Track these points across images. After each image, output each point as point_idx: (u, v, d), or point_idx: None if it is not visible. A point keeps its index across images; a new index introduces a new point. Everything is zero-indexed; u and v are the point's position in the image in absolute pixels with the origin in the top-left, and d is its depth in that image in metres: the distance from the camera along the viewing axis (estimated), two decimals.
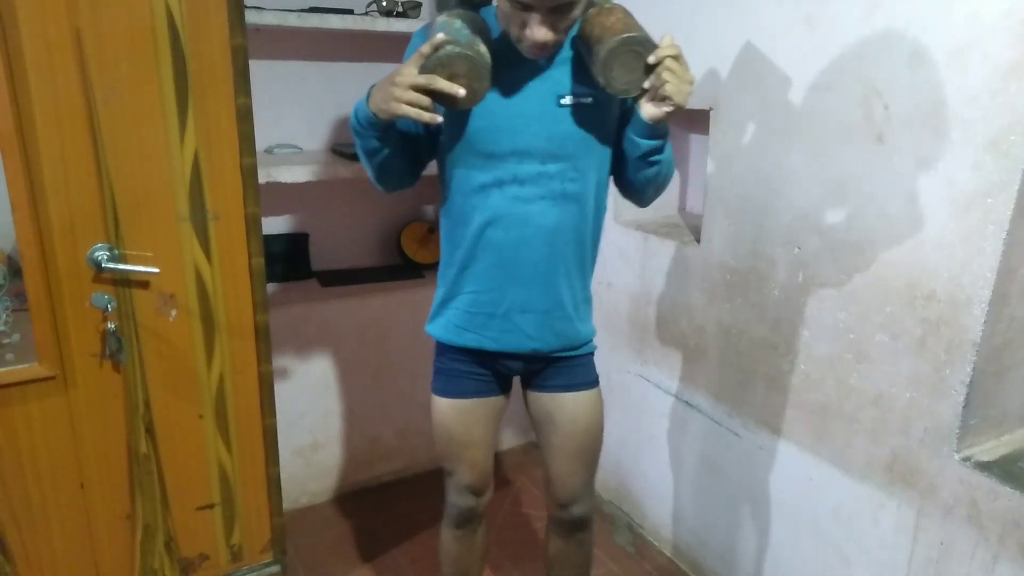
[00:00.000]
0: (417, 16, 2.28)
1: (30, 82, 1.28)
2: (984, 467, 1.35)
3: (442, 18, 1.17)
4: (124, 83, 1.35)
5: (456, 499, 1.54)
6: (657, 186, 1.34)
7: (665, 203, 2.33)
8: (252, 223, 1.55)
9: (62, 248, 1.38)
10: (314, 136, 2.41)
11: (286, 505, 1.85)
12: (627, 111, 1.30)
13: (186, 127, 1.43)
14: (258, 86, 1.56)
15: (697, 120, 2.21)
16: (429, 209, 2.70)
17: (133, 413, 1.54)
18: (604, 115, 1.30)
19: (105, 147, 1.37)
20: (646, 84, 1.16)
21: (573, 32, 1.25)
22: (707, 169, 1.85)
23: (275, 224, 2.40)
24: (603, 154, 1.33)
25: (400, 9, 2.24)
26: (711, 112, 1.81)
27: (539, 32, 1.12)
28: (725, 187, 1.81)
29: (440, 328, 1.44)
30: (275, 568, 1.81)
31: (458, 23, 1.15)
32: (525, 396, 1.54)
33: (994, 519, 1.32)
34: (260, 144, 1.64)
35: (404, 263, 2.60)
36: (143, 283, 1.48)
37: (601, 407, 1.50)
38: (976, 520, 1.35)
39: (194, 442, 1.62)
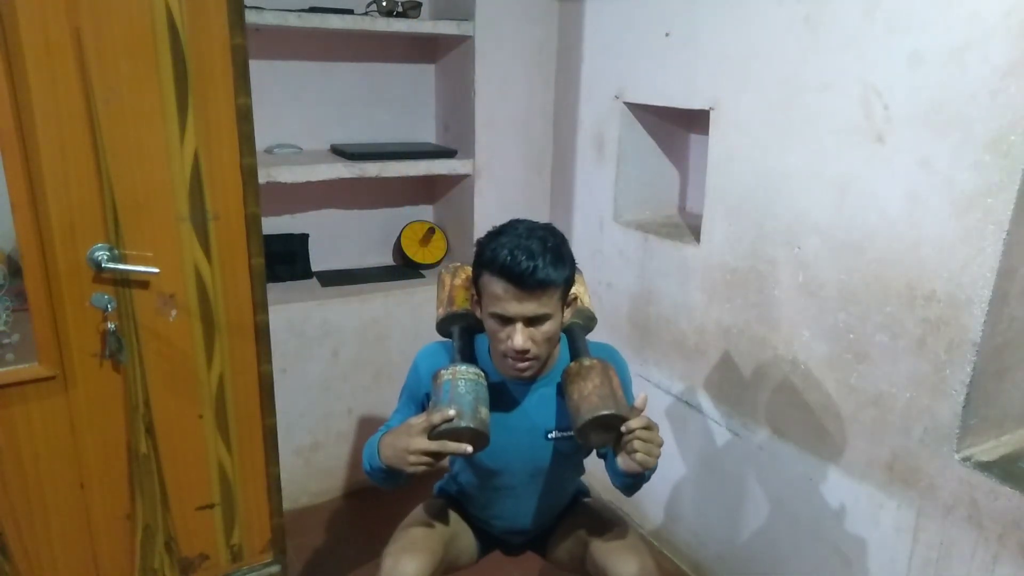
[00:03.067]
0: (417, 16, 2.28)
1: (30, 82, 1.28)
2: (984, 467, 1.35)
3: (446, 376, 1.28)
4: (124, 83, 1.35)
5: None
6: (637, 490, 1.42)
7: (665, 203, 2.34)
8: (252, 223, 1.55)
9: (62, 248, 1.38)
10: (314, 136, 2.41)
11: (286, 505, 1.85)
12: None
13: (186, 127, 1.43)
14: (258, 86, 1.56)
15: (697, 120, 2.21)
16: (429, 209, 2.70)
17: (133, 413, 1.54)
18: (585, 448, 1.46)
19: (105, 147, 1.37)
20: (618, 449, 1.26)
21: (559, 365, 1.38)
22: (707, 169, 1.85)
23: (275, 224, 2.40)
24: (584, 457, 1.52)
25: (400, 9, 2.24)
26: (711, 112, 1.81)
27: (518, 339, 1.23)
28: (725, 187, 1.81)
29: (452, 494, 1.61)
30: (275, 568, 1.81)
31: (461, 385, 1.26)
32: (555, 563, 1.57)
33: (994, 519, 1.32)
34: (260, 144, 1.64)
35: (404, 263, 2.60)
36: (143, 283, 1.48)
37: (608, 504, 1.58)
38: (976, 520, 1.35)
39: (194, 442, 1.62)
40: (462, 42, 2.33)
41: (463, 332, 1.42)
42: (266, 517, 1.76)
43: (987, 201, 1.26)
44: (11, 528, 1.48)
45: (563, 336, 1.42)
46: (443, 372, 1.29)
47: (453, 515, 1.53)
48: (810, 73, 1.55)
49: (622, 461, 1.25)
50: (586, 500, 1.60)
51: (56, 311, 1.40)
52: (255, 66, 1.53)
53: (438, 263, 2.60)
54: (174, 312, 1.52)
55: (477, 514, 1.55)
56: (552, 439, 1.40)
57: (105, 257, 1.41)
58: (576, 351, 1.39)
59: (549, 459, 1.42)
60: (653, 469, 1.31)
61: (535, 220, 1.32)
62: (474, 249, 1.30)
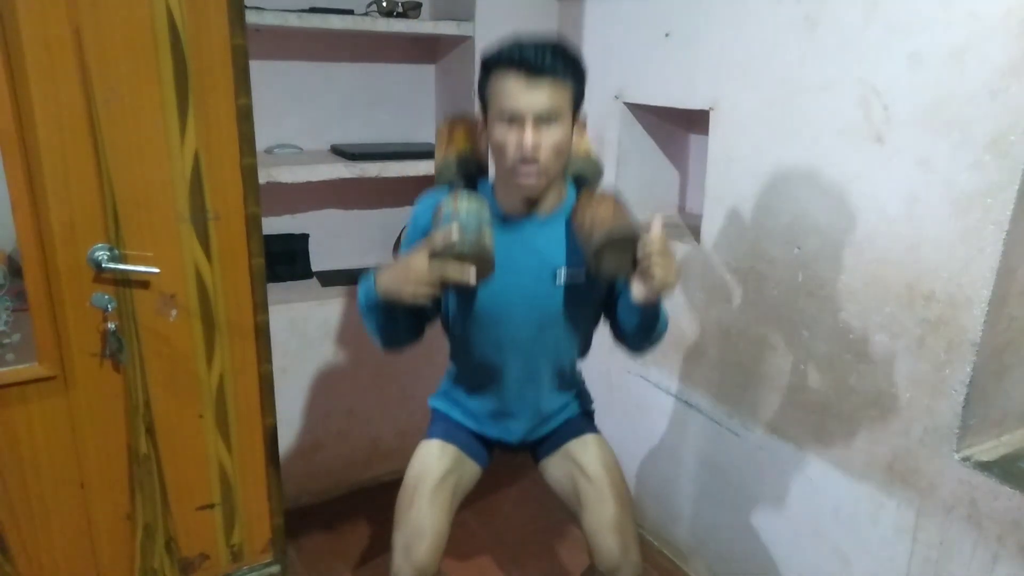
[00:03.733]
0: (417, 16, 2.28)
1: (30, 82, 1.28)
2: (984, 467, 1.35)
3: (447, 204, 1.23)
4: (124, 83, 1.36)
5: (398, 573, 1.37)
6: (652, 342, 1.41)
7: (665, 203, 2.34)
8: (252, 223, 1.55)
9: (62, 248, 1.38)
10: (314, 136, 2.41)
11: (286, 505, 1.85)
12: (622, 280, 1.37)
13: (186, 127, 1.43)
14: (258, 86, 1.56)
15: (697, 120, 2.22)
16: None
17: (133, 413, 1.54)
18: (596, 289, 1.41)
19: (105, 147, 1.37)
20: (635, 274, 1.22)
21: (568, 204, 1.35)
22: (707, 169, 1.85)
23: (275, 224, 2.40)
24: (594, 314, 1.48)
25: (400, 9, 2.24)
26: (711, 112, 1.81)
27: (528, 137, 1.19)
28: (725, 187, 1.81)
29: (445, 407, 1.57)
30: (275, 568, 1.81)
31: (463, 210, 1.21)
32: (542, 474, 1.57)
33: (994, 519, 1.32)
34: (260, 144, 1.64)
35: None
36: (143, 283, 1.48)
37: (611, 450, 1.53)
38: (976, 520, 1.35)
39: (194, 442, 1.62)
40: (462, 42, 2.33)
41: (465, 174, 1.39)
42: (266, 517, 1.76)
43: (987, 201, 1.27)
44: (11, 528, 1.48)
45: (570, 184, 1.39)
46: (444, 203, 1.24)
47: (449, 450, 1.47)
48: (810, 73, 1.55)
49: (638, 290, 1.21)
50: (592, 436, 1.52)
51: (56, 311, 1.40)
52: (255, 66, 1.53)
53: None
54: (174, 312, 1.52)
55: (477, 398, 1.49)
56: (561, 283, 1.35)
57: (105, 257, 1.41)
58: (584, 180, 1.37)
59: (558, 305, 1.36)
60: (666, 320, 1.29)
61: None
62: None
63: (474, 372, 1.48)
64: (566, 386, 1.53)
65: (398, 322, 1.34)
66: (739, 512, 1.90)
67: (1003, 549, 1.31)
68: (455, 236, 1.15)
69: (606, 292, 1.43)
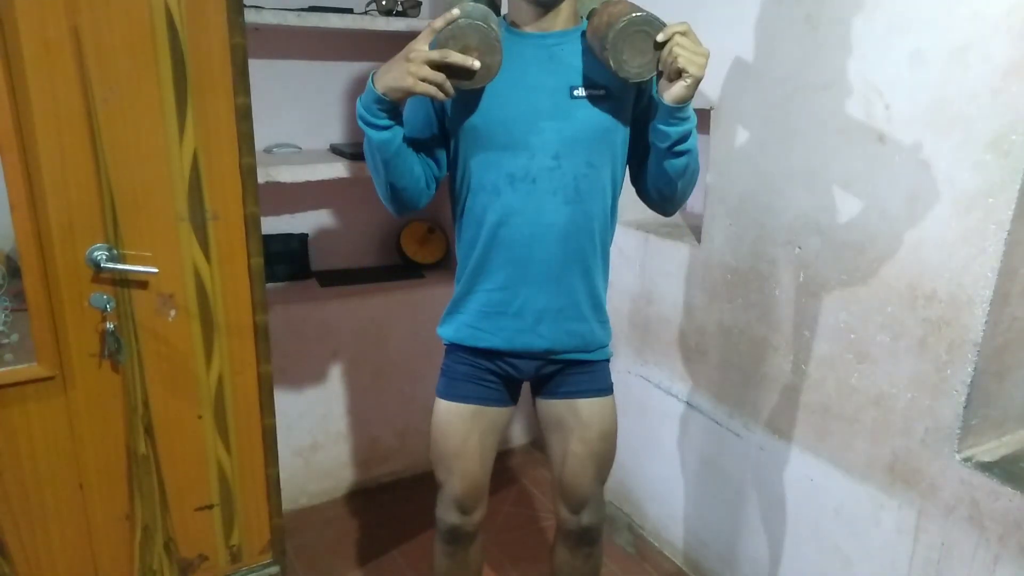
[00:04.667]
0: (417, 15, 2.28)
1: (29, 81, 1.28)
2: (985, 467, 1.34)
3: (453, 10, 1.14)
4: (123, 82, 1.35)
5: (444, 514, 1.47)
6: (686, 182, 1.31)
7: None
8: (251, 223, 1.54)
9: (61, 248, 1.38)
10: (314, 136, 2.41)
11: (285, 506, 1.85)
12: (645, 108, 1.30)
13: (185, 126, 1.43)
14: (257, 85, 1.56)
15: (697, 120, 2.21)
16: (428, 209, 2.70)
17: (132, 413, 1.54)
18: (618, 107, 1.28)
19: (104, 146, 1.37)
20: (659, 68, 1.16)
21: (582, 27, 1.28)
22: (707, 169, 1.85)
23: (274, 224, 2.39)
24: (617, 149, 1.32)
25: (400, 8, 2.24)
26: (711, 112, 1.80)
27: None
28: (725, 187, 1.80)
29: (451, 329, 1.43)
30: (274, 569, 1.81)
31: (469, 5, 1.14)
32: (535, 402, 1.51)
33: (995, 520, 1.32)
34: (259, 144, 1.64)
35: (404, 263, 2.59)
36: (142, 283, 1.48)
37: (615, 414, 1.48)
38: (977, 521, 1.35)
39: (193, 442, 1.62)
40: None
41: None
42: (265, 518, 1.76)
43: (988, 201, 1.26)
44: (10, 528, 1.47)
45: (584, 21, 1.30)
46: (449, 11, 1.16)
47: (465, 413, 1.40)
48: (811, 73, 1.54)
49: (667, 90, 1.14)
50: (607, 399, 1.45)
51: (55, 311, 1.40)
52: (254, 65, 1.53)
53: (438, 263, 2.59)
54: (173, 312, 1.52)
55: (491, 293, 1.35)
56: (579, 96, 1.24)
57: (104, 257, 1.41)
58: None
59: (576, 123, 1.24)
60: (697, 160, 1.25)
61: None
62: None
63: (483, 228, 1.31)
64: (592, 264, 1.35)
65: (401, 153, 1.23)
66: (740, 512, 1.90)
67: (1004, 550, 1.31)
68: (457, 12, 1.07)
69: (630, 119, 1.32)
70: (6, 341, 1.45)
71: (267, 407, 1.68)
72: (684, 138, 1.24)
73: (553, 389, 1.45)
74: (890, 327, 1.46)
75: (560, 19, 1.28)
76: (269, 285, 2.26)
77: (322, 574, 2.07)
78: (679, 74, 1.14)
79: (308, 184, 2.21)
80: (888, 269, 1.45)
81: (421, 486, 2.48)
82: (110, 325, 1.44)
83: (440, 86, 1.11)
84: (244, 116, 1.47)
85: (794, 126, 1.60)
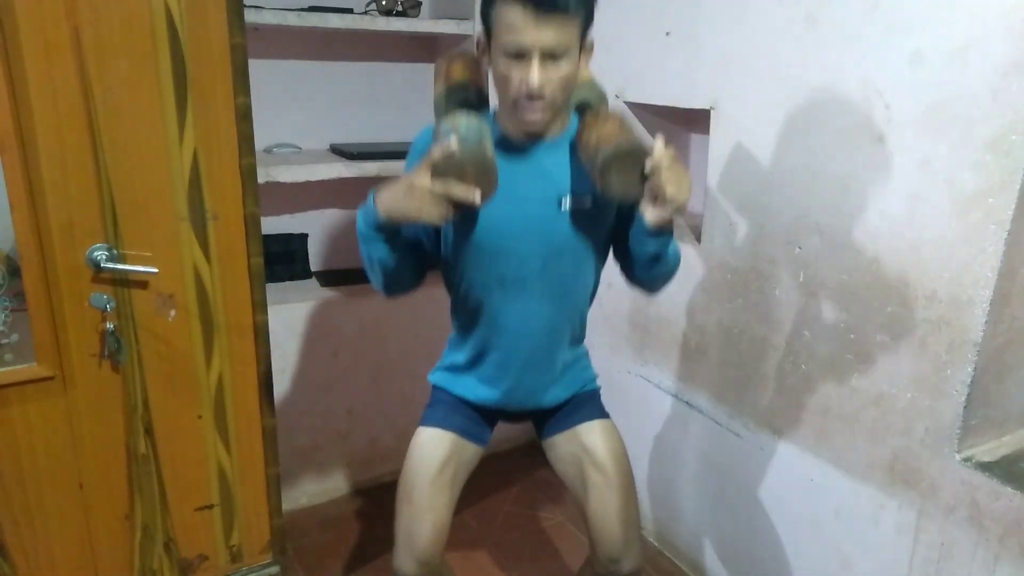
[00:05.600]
0: (416, 15, 2.28)
1: (29, 81, 1.28)
2: (985, 467, 1.34)
3: (446, 122, 1.19)
4: (123, 82, 1.35)
5: (404, 566, 1.35)
6: (664, 279, 1.37)
7: None
8: (251, 223, 1.54)
9: (61, 248, 1.38)
10: (313, 136, 2.41)
11: (285, 505, 1.85)
12: (628, 211, 1.32)
13: (185, 126, 1.43)
14: (257, 85, 1.56)
15: (697, 120, 2.21)
16: None
17: (132, 413, 1.54)
18: (603, 216, 1.35)
19: (104, 146, 1.37)
20: (645, 191, 1.18)
21: (572, 131, 1.30)
22: (708, 169, 1.85)
23: (274, 224, 2.39)
24: (602, 246, 1.40)
25: (400, 8, 2.24)
26: (711, 112, 1.80)
27: (533, 75, 1.13)
28: (725, 187, 1.80)
29: (445, 380, 1.51)
30: (274, 569, 1.81)
31: (463, 124, 1.17)
32: (546, 451, 1.51)
33: (995, 519, 1.32)
34: (259, 144, 1.64)
35: None
36: (142, 283, 1.48)
37: (620, 436, 1.48)
38: (977, 521, 1.35)
39: (193, 442, 1.62)
40: (462, 41, 2.33)
41: (464, 103, 1.32)
42: (265, 518, 1.76)
43: (988, 201, 1.26)
44: (10, 528, 1.47)
45: (574, 114, 1.33)
46: (442, 122, 1.19)
47: (446, 439, 1.41)
48: (811, 73, 1.54)
49: (650, 212, 1.17)
50: (602, 423, 1.47)
51: (55, 311, 1.40)
52: (254, 65, 1.53)
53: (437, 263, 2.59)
54: (173, 312, 1.52)
55: (482, 357, 1.42)
56: (566, 208, 1.29)
57: (104, 257, 1.41)
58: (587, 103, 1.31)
59: (564, 234, 1.30)
60: (678, 252, 1.27)
61: None
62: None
63: (475, 319, 1.40)
64: (572, 338, 1.44)
65: (398, 255, 1.28)
66: (740, 513, 1.90)
67: (1004, 550, 1.31)
68: (454, 146, 1.11)
69: (614, 220, 1.37)
70: (6, 341, 1.45)
71: (267, 407, 1.68)
72: (663, 250, 1.29)
73: (555, 427, 1.49)
74: (890, 327, 1.46)
75: (550, 129, 1.29)
76: (269, 285, 2.26)
77: (322, 574, 2.07)
78: (664, 201, 1.16)
79: (308, 184, 2.21)
80: (888, 269, 1.45)
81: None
82: (110, 325, 1.44)
83: (441, 213, 1.16)
84: (244, 116, 1.47)
85: (794, 126, 1.60)
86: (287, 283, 2.37)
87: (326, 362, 2.29)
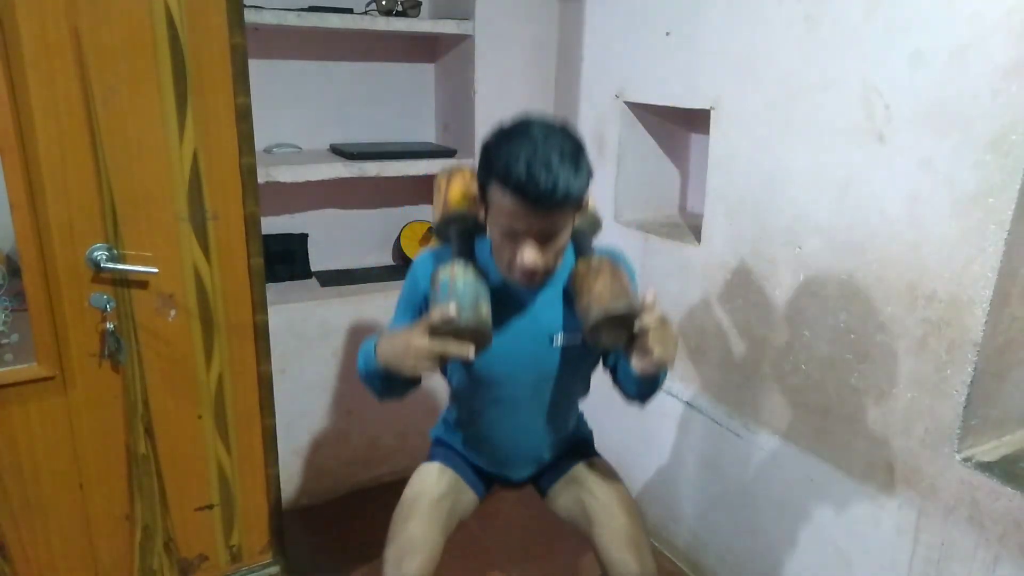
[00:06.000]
0: (416, 15, 2.28)
1: (29, 82, 1.28)
2: (985, 467, 1.34)
3: (445, 274, 1.22)
4: (123, 82, 1.35)
5: None
6: (652, 397, 1.40)
7: (665, 203, 2.33)
8: (251, 223, 1.54)
9: (61, 248, 1.38)
10: (313, 135, 2.41)
11: (285, 506, 1.85)
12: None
13: (185, 126, 1.43)
14: (257, 85, 1.56)
15: (698, 119, 2.21)
16: (429, 209, 2.70)
17: (132, 413, 1.54)
18: (594, 350, 1.40)
19: (104, 146, 1.37)
20: (632, 348, 1.21)
21: (565, 271, 1.31)
22: (708, 169, 1.85)
23: (274, 224, 2.39)
24: (592, 367, 1.46)
25: (400, 8, 2.23)
26: (711, 112, 1.80)
27: (529, 256, 1.16)
28: (725, 187, 1.80)
29: (446, 437, 1.58)
30: (274, 569, 1.81)
31: (460, 283, 1.20)
32: (551, 506, 1.55)
33: (995, 520, 1.32)
34: (259, 143, 1.63)
35: (404, 263, 2.59)
36: (142, 283, 1.48)
37: (614, 468, 1.53)
38: (977, 521, 1.35)
39: (193, 442, 1.62)
40: (462, 41, 2.33)
41: (462, 234, 1.33)
42: (265, 518, 1.76)
43: (988, 201, 1.26)
44: (10, 528, 1.47)
45: (569, 245, 1.34)
46: (441, 272, 1.22)
47: (449, 475, 1.47)
48: (811, 72, 1.54)
49: (637, 363, 1.18)
50: (595, 460, 1.53)
51: (55, 311, 1.40)
52: (254, 65, 1.53)
53: None
54: (173, 312, 1.52)
55: (477, 447, 1.49)
56: (558, 345, 1.33)
57: (104, 257, 1.41)
58: (582, 252, 1.32)
59: (555, 366, 1.35)
60: (666, 373, 1.28)
61: (547, 118, 1.18)
62: (480, 151, 1.19)
63: (473, 422, 1.48)
64: (564, 435, 1.53)
65: (397, 384, 1.34)
66: (740, 513, 1.90)
67: (1004, 550, 1.31)
68: (452, 313, 1.15)
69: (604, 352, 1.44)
70: (6, 341, 1.45)
71: (267, 407, 1.68)
72: (650, 389, 1.35)
73: (553, 476, 1.54)
74: (890, 327, 1.46)
75: None
76: (269, 285, 2.26)
77: (322, 574, 2.07)
78: (650, 357, 1.18)
79: (308, 184, 2.21)
80: (888, 269, 1.45)
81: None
82: (110, 325, 1.44)
83: (435, 366, 1.21)
84: (244, 116, 1.47)
85: (794, 126, 1.60)
86: (287, 283, 2.37)
87: (326, 362, 2.29)
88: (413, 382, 1.38)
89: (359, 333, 2.32)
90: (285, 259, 2.38)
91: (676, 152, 2.30)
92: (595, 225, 1.41)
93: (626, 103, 2.12)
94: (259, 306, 1.60)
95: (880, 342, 1.48)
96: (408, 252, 2.57)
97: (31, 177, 1.32)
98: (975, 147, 1.27)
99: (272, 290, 2.29)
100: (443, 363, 1.20)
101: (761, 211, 1.71)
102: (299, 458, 2.32)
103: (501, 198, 1.12)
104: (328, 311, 2.25)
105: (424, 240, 2.59)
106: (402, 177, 2.36)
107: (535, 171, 1.06)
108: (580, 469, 1.51)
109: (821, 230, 1.57)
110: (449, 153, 2.36)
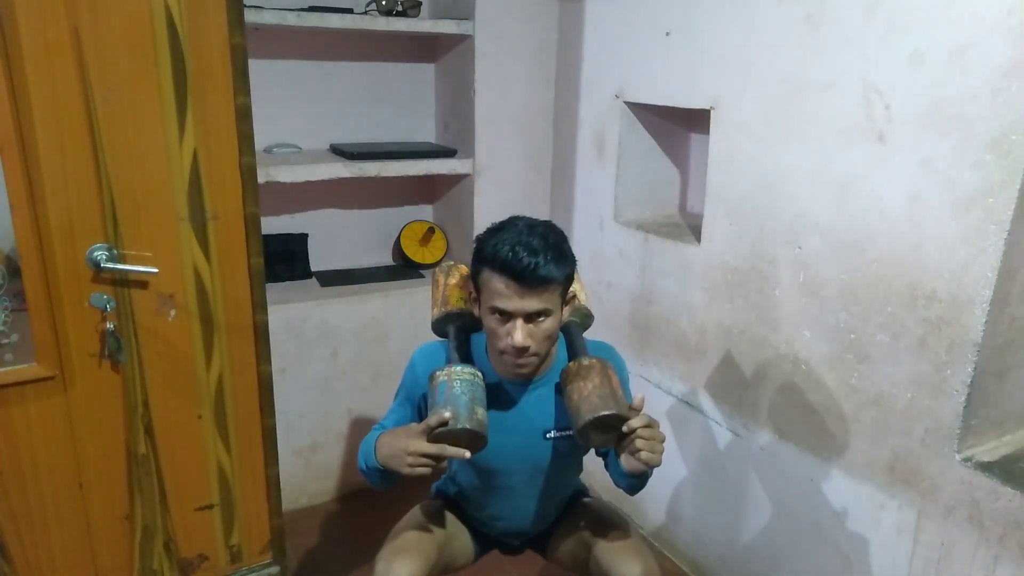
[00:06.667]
0: (416, 15, 2.28)
1: (29, 82, 1.28)
2: (985, 467, 1.34)
3: (442, 378, 1.27)
4: (123, 82, 1.35)
5: None
6: (640, 489, 1.41)
7: (665, 203, 2.33)
8: (251, 223, 1.54)
9: (61, 248, 1.38)
10: (313, 135, 2.41)
11: (285, 506, 1.85)
12: None
13: (185, 126, 1.42)
14: (257, 85, 1.56)
15: (697, 120, 2.21)
16: (429, 209, 2.70)
17: (132, 413, 1.53)
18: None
19: (104, 147, 1.37)
20: (622, 448, 1.25)
21: (559, 364, 1.36)
22: (708, 169, 1.85)
23: (274, 224, 2.39)
24: (583, 455, 1.50)
25: (399, 8, 2.24)
26: (711, 112, 1.80)
27: (518, 335, 1.23)
28: (726, 187, 1.80)
29: (447, 492, 1.60)
30: (274, 569, 1.81)
31: (457, 386, 1.25)
32: (550, 555, 1.56)
33: (995, 520, 1.32)
34: (259, 143, 1.63)
35: (404, 263, 2.59)
36: (142, 283, 1.47)
37: (603, 500, 1.55)
38: (977, 521, 1.35)
39: (193, 442, 1.62)
40: (462, 41, 2.33)
41: (459, 332, 1.41)
42: (265, 518, 1.76)
43: (988, 201, 1.26)
44: (10, 529, 1.47)
45: (560, 336, 1.41)
46: (439, 373, 1.28)
47: (449, 517, 1.52)
48: (811, 72, 1.54)
49: (625, 461, 1.24)
50: (586, 500, 1.58)
51: (55, 311, 1.40)
52: (254, 65, 1.53)
53: (438, 263, 2.59)
54: (173, 312, 1.52)
55: (475, 514, 1.54)
56: (551, 438, 1.39)
57: (104, 257, 1.40)
58: (574, 350, 1.38)
59: (548, 458, 1.41)
60: (656, 466, 1.31)
61: (534, 218, 1.31)
62: (473, 246, 1.29)
63: (471, 498, 1.52)
64: (562, 506, 1.56)
65: (396, 480, 1.37)
66: (740, 513, 1.90)
67: (1004, 550, 1.31)
68: (449, 420, 1.20)
69: None
70: (6, 341, 1.45)
71: (267, 407, 1.67)
72: (639, 483, 1.37)
73: (547, 538, 1.56)
74: (890, 327, 1.46)
75: (538, 368, 1.36)
76: (269, 285, 2.26)
77: (322, 574, 2.07)
78: (638, 458, 1.23)
79: (308, 184, 2.21)
80: (888, 269, 1.45)
81: (423, 484, 2.47)
82: (110, 325, 1.44)
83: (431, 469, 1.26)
84: (244, 116, 1.47)
85: (794, 126, 1.60)
86: (287, 283, 2.37)
87: (326, 362, 2.29)
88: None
89: (359, 333, 2.33)
90: (285, 259, 2.38)
91: (676, 152, 2.30)
92: (586, 319, 1.49)
93: (626, 103, 2.12)
94: (259, 306, 1.60)
95: (880, 342, 1.48)
96: (408, 252, 2.57)
97: (31, 177, 1.32)
98: (975, 147, 1.27)
99: (272, 290, 2.28)
100: (440, 462, 1.26)
101: (761, 211, 1.71)
102: (299, 459, 2.32)
103: (490, 280, 1.23)
104: (328, 311, 2.25)
105: (424, 240, 2.59)
106: (402, 177, 2.36)
107: (519, 252, 1.19)
108: (570, 515, 1.54)
109: (821, 230, 1.57)
110: (449, 153, 2.37)
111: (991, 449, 1.41)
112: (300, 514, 2.32)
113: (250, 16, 1.85)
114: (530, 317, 1.23)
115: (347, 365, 2.33)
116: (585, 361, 1.30)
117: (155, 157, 1.41)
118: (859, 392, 1.54)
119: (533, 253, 1.19)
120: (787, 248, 1.66)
